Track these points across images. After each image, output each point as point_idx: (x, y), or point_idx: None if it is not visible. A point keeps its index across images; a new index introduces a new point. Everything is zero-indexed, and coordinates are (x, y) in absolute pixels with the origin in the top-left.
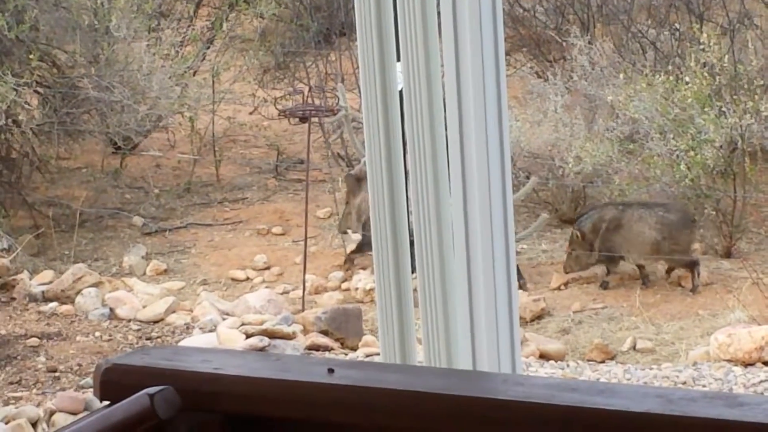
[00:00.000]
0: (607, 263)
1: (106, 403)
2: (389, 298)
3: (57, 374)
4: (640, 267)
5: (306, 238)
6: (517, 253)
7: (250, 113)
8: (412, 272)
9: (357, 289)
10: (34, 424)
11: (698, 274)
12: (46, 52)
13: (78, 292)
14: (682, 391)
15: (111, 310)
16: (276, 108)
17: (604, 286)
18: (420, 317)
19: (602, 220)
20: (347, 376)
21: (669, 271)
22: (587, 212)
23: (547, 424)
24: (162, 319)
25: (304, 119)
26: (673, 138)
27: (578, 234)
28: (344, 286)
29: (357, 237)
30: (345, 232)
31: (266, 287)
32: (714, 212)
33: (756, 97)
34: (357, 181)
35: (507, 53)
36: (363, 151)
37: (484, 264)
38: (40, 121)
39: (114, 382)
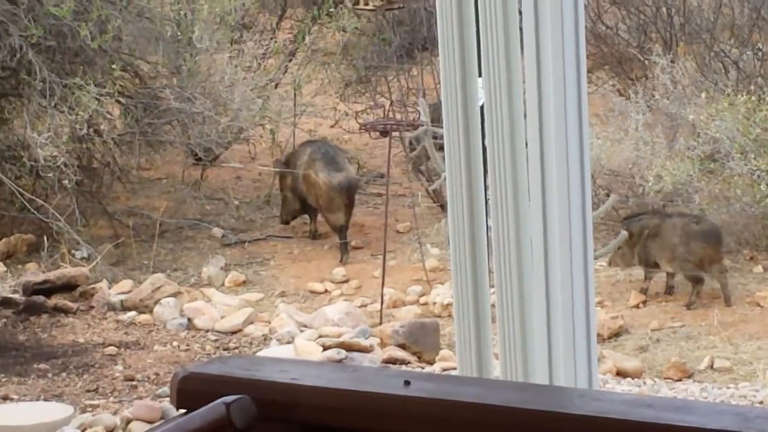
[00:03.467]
0: (645, 269)
1: (183, 411)
2: (467, 312)
3: (134, 383)
4: (669, 275)
5: (385, 251)
6: (596, 270)
7: (331, 126)
8: (490, 287)
9: (435, 303)
10: None
11: (697, 292)
12: (128, 62)
13: (156, 302)
14: (758, 409)
15: (189, 320)
16: (357, 122)
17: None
18: (497, 332)
19: (646, 226)
20: (423, 389)
21: (670, 279)
22: (638, 214)
23: None
24: (240, 330)
25: (384, 133)
26: (754, 158)
27: (626, 232)
28: (422, 300)
29: (436, 252)
30: (287, 222)
31: (344, 300)
32: None
33: None
34: (286, 166)
35: (589, 70)
36: (444, 167)
37: (562, 280)
38: (122, 131)
39: (191, 391)
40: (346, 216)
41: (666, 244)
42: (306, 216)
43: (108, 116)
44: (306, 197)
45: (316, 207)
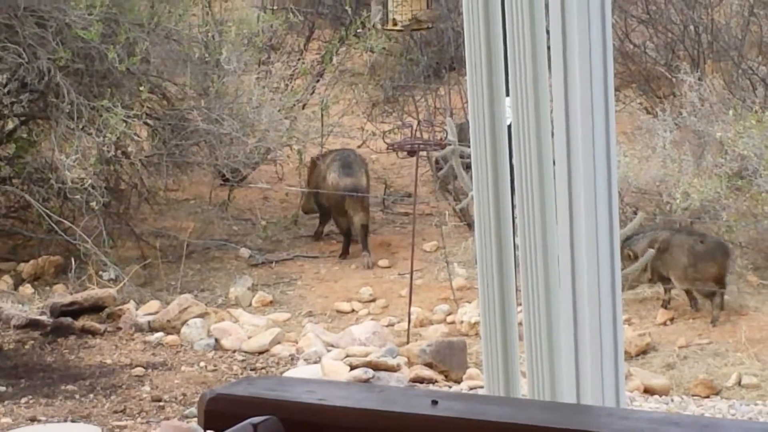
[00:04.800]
0: (662, 284)
1: None
2: (494, 331)
3: (161, 404)
4: (687, 291)
5: (412, 271)
6: (623, 288)
7: (359, 146)
8: (518, 306)
9: (462, 322)
10: None
11: (717, 305)
12: (156, 84)
13: (184, 323)
14: None
15: (216, 340)
16: (384, 141)
17: (686, 305)
18: (524, 350)
19: (655, 240)
20: (451, 408)
21: (689, 296)
22: (641, 233)
23: None
24: (267, 350)
25: (412, 153)
26: None
27: (630, 254)
28: (449, 319)
29: (463, 271)
30: (308, 212)
31: (371, 319)
32: None
33: None
34: (313, 167)
35: (616, 89)
36: (471, 186)
37: (589, 298)
38: (149, 153)
39: (218, 412)
40: (348, 221)
41: (676, 262)
42: (334, 236)
43: (135, 138)
44: (322, 199)
45: (328, 207)
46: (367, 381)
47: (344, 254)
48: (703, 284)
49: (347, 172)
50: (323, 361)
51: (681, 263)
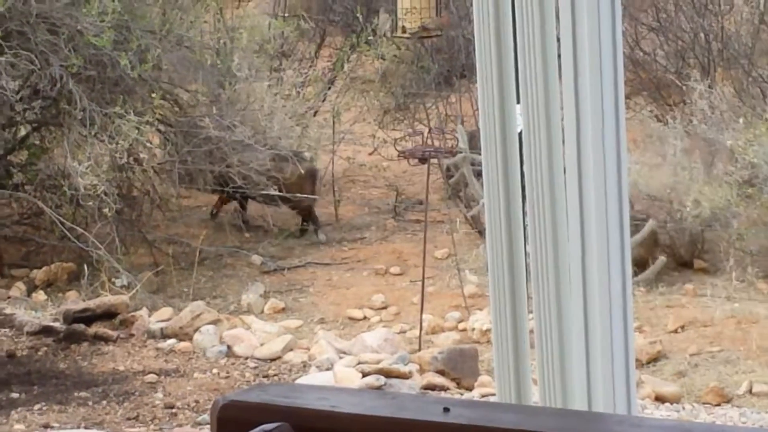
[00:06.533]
0: None
1: None
2: (506, 338)
3: (174, 410)
4: None
5: (423, 278)
6: (634, 295)
7: (370, 154)
8: (529, 313)
9: (474, 329)
10: None
11: None
12: (168, 91)
13: (196, 330)
14: None
15: (229, 347)
16: (395, 149)
17: None
18: (536, 358)
19: None
20: (463, 416)
21: None
22: None
23: None
24: (279, 357)
25: (423, 160)
26: None
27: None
28: (461, 326)
29: (474, 279)
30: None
31: (383, 327)
32: None
33: None
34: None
35: (627, 96)
36: (482, 193)
37: (600, 306)
38: (162, 160)
39: (231, 419)
40: (312, 200)
41: None
42: (346, 243)
43: (148, 145)
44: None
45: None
46: (379, 388)
47: (305, 228)
48: None
49: (300, 157)
50: (335, 368)
51: None
